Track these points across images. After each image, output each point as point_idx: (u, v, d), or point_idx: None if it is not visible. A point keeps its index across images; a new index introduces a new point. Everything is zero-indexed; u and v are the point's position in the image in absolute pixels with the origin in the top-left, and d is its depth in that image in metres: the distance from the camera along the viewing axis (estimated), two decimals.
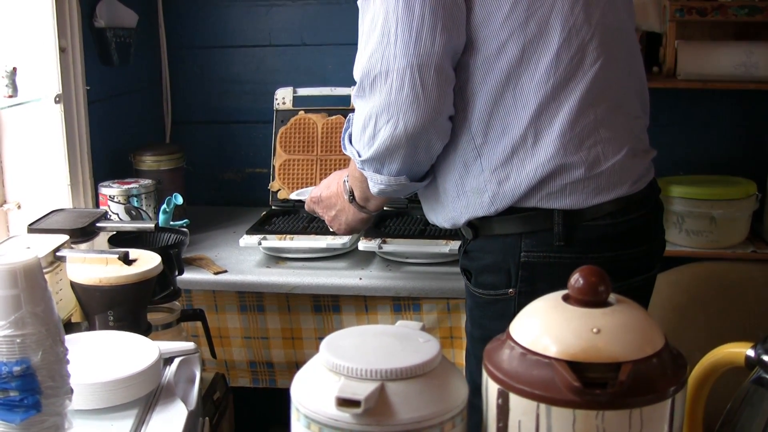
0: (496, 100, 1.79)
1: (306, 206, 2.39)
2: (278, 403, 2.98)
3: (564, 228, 1.82)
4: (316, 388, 1.11)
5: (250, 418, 2.97)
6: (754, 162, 3.25)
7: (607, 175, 1.81)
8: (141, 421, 1.53)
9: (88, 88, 2.72)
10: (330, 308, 2.62)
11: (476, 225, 1.92)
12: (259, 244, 2.70)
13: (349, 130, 1.96)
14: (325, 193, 2.27)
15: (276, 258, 2.74)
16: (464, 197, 1.90)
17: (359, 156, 1.91)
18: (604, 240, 1.84)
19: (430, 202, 2.00)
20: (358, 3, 1.84)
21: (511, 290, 1.88)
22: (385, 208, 2.98)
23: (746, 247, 3.02)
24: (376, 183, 1.94)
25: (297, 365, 2.67)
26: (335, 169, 2.85)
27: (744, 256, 3.00)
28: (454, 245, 2.56)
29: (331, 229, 2.34)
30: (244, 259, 2.76)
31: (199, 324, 2.42)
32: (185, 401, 1.62)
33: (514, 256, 1.86)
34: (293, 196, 2.66)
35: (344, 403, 1.04)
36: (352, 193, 2.14)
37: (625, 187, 1.84)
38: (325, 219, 2.31)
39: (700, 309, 3.04)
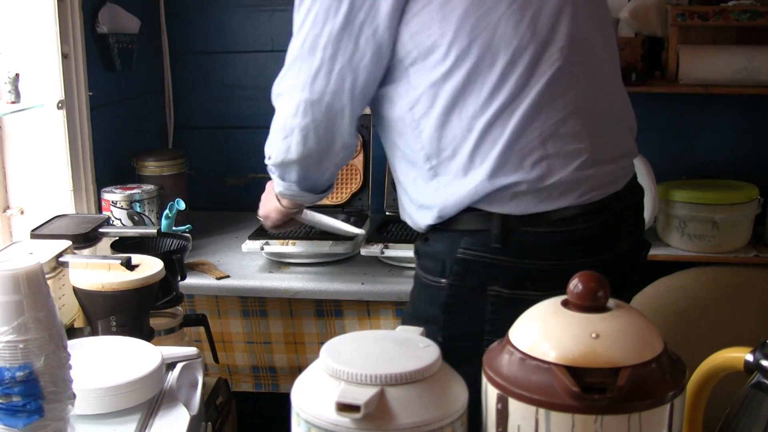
0: (444, 124, 1.85)
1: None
2: (281, 408, 2.99)
3: (501, 231, 1.85)
4: (317, 394, 1.11)
5: (252, 423, 2.97)
6: (756, 166, 3.26)
7: (550, 190, 1.83)
8: (143, 426, 1.53)
9: (91, 93, 2.73)
10: (332, 313, 2.62)
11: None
12: (262, 249, 2.70)
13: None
14: (268, 188, 2.46)
15: (278, 263, 2.74)
16: (422, 210, 1.97)
17: (269, 158, 2.10)
18: (542, 247, 1.86)
19: (402, 206, 2.08)
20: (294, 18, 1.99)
21: (444, 280, 1.92)
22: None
23: (748, 252, 3.02)
24: (278, 185, 2.19)
25: (300, 370, 2.65)
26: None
27: (746, 261, 3.01)
28: None
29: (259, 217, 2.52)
30: (246, 264, 2.76)
31: (201, 329, 2.42)
32: (188, 406, 1.62)
33: (452, 251, 1.90)
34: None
35: (344, 408, 1.05)
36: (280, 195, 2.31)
37: (571, 197, 1.84)
38: (261, 202, 2.49)
39: (701, 313, 3.04)
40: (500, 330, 1.77)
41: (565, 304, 1.14)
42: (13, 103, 2.43)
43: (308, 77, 1.89)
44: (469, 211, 1.87)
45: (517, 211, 1.84)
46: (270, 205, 2.42)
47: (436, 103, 1.84)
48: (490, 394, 1.12)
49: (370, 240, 2.70)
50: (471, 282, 1.89)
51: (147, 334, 1.95)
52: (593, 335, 1.07)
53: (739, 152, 3.31)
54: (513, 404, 1.08)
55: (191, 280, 2.56)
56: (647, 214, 2.88)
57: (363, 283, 2.56)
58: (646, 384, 1.05)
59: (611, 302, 1.14)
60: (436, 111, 1.85)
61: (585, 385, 1.03)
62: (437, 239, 1.95)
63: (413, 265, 2.62)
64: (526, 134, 1.81)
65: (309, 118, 1.92)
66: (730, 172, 3.24)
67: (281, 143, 1.99)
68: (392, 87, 1.92)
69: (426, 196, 1.94)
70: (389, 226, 2.87)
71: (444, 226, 1.92)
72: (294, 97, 1.92)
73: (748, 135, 3.30)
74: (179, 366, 1.74)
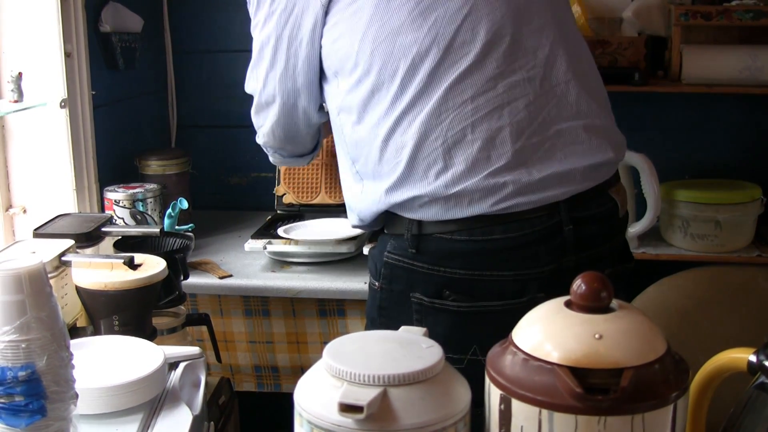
0: (355, 133, 1.89)
1: None
2: (283, 408, 2.99)
3: (413, 236, 1.85)
4: (319, 394, 1.11)
5: (255, 423, 2.97)
6: (759, 166, 3.25)
7: (458, 197, 1.79)
8: (146, 425, 1.53)
9: (94, 92, 2.72)
10: (335, 313, 2.62)
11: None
12: (265, 248, 2.70)
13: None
14: None
15: (281, 262, 2.74)
16: (350, 210, 2.05)
17: (256, 136, 2.28)
18: (456, 255, 1.82)
19: None
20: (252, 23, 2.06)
21: (377, 283, 1.95)
22: None
23: (751, 251, 3.02)
24: (270, 156, 2.37)
25: (302, 370, 2.66)
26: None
27: (749, 260, 3.00)
28: None
29: None
30: (249, 263, 2.76)
31: (204, 328, 2.42)
32: (190, 406, 1.62)
33: (381, 254, 1.92)
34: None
35: (347, 408, 1.05)
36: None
37: (484, 205, 1.78)
38: None
39: (704, 313, 3.04)
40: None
41: (568, 304, 1.14)
42: (15, 102, 2.43)
43: (261, 79, 2.05)
44: (391, 215, 1.90)
45: (428, 217, 1.83)
46: None
47: (351, 111, 1.88)
48: (493, 394, 1.11)
49: (372, 239, 2.70)
50: (397, 287, 1.90)
51: (149, 334, 1.95)
52: (596, 336, 1.07)
53: (742, 152, 3.30)
54: (516, 405, 1.08)
55: (194, 280, 2.56)
56: (650, 214, 2.89)
57: (366, 283, 2.55)
58: (649, 385, 1.05)
59: (614, 303, 1.14)
60: (351, 120, 1.89)
61: (588, 386, 1.03)
62: (378, 242, 1.99)
63: None
64: (428, 143, 1.78)
65: (271, 114, 2.12)
66: (733, 172, 3.24)
67: (258, 132, 2.23)
68: (326, 91, 1.99)
69: (352, 197, 1.99)
70: None
71: (381, 230, 1.98)
72: (256, 96, 2.12)
73: (752, 135, 3.30)
74: (182, 365, 1.74)
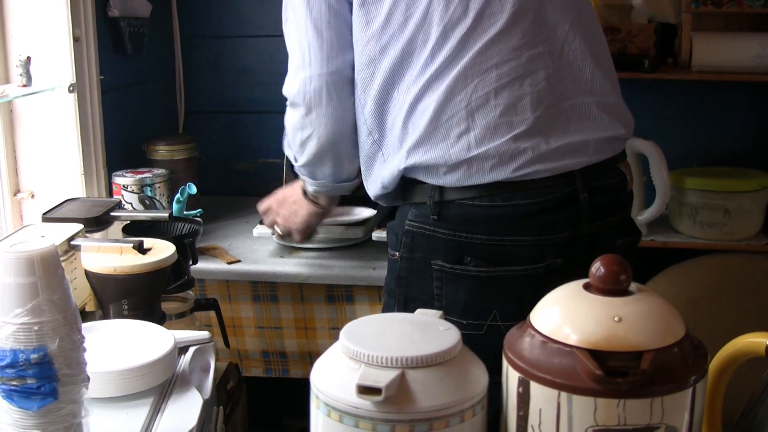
0: (384, 99, 1.91)
1: (261, 207, 2.58)
2: (291, 393, 2.99)
3: (435, 203, 1.87)
4: (336, 376, 1.11)
5: (262, 408, 2.98)
6: None
7: (480, 161, 1.82)
8: (156, 409, 1.53)
9: (102, 77, 2.72)
10: (343, 298, 2.61)
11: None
12: (273, 233, 2.69)
13: (286, 137, 2.18)
14: (288, 191, 2.48)
15: (289, 248, 2.74)
16: (371, 180, 2.04)
17: (296, 161, 2.18)
18: (478, 221, 1.85)
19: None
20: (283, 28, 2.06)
21: (397, 253, 1.97)
22: None
23: (760, 239, 3.01)
24: (311, 185, 2.25)
25: (310, 355, 2.67)
26: None
27: (758, 248, 3.00)
28: None
29: (282, 230, 2.55)
30: (257, 248, 2.76)
31: (212, 314, 2.42)
32: (200, 390, 1.62)
33: (402, 223, 1.95)
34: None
35: (365, 390, 1.04)
36: (304, 189, 2.36)
37: (506, 171, 1.82)
38: (281, 217, 2.50)
39: (713, 301, 3.03)
40: (447, 306, 1.82)
41: (587, 287, 1.14)
42: (24, 86, 2.42)
43: (321, 62, 1.96)
44: (413, 182, 1.92)
45: (450, 183, 1.86)
46: (302, 213, 2.44)
47: (375, 78, 1.90)
48: (511, 377, 1.11)
49: (381, 225, 2.69)
50: (417, 255, 1.92)
51: (159, 318, 1.95)
52: (616, 319, 1.06)
53: (752, 140, 3.29)
54: (535, 388, 1.07)
55: (202, 265, 2.55)
56: (659, 202, 2.88)
57: (374, 269, 2.56)
58: (668, 368, 1.04)
59: (633, 286, 1.14)
60: (375, 86, 1.91)
61: (607, 369, 1.03)
62: (397, 213, 2.00)
63: None
64: (451, 105, 1.83)
65: (334, 97, 1.98)
66: (743, 160, 3.23)
67: (310, 139, 2.06)
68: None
69: (375, 167, 2.00)
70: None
71: (400, 200, 1.98)
72: (310, 88, 1.98)
73: (761, 122, 3.29)
74: (191, 350, 1.74)
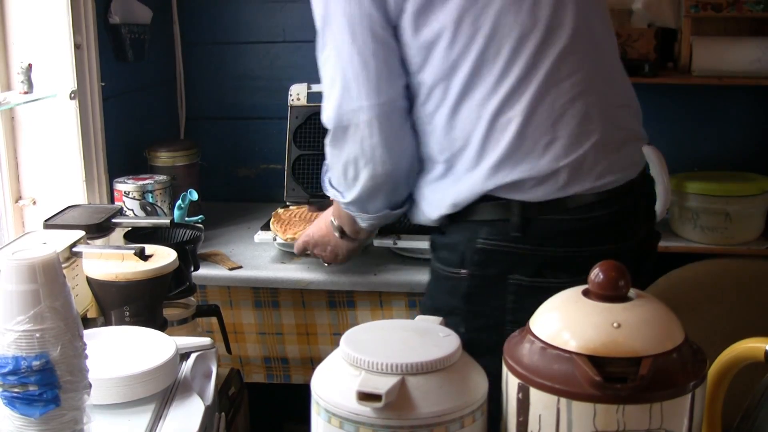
0: (455, 116, 1.87)
1: (297, 249, 2.50)
2: (293, 399, 2.99)
3: (521, 220, 1.85)
4: (337, 383, 1.12)
5: (264, 414, 2.97)
6: None
7: (565, 173, 1.83)
8: (158, 416, 1.53)
9: (103, 84, 2.72)
10: (345, 304, 2.62)
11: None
12: (274, 239, 2.69)
13: (329, 173, 2.09)
14: (317, 234, 2.39)
15: (291, 254, 2.73)
16: (436, 203, 1.97)
17: (343, 198, 2.06)
18: (560, 235, 1.86)
19: (414, 203, 2.07)
20: (317, 54, 1.98)
21: (463, 271, 1.92)
22: None
23: (761, 244, 3.00)
24: (363, 219, 2.12)
25: (312, 361, 2.68)
26: None
27: (759, 252, 2.99)
28: None
29: (328, 264, 2.50)
30: (258, 254, 2.76)
31: (214, 320, 2.42)
32: (202, 396, 1.62)
33: (471, 241, 1.90)
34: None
35: (365, 397, 1.05)
36: (341, 230, 2.28)
37: (588, 181, 1.85)
38: (322, 257, 2.44)
39: (714, 305, 3.03)
40: (522, 319, 1.78)
41: (586, 293, 1.14)
42: (25, 93, 2.43)
43: (369, 92, 1.87)
44: (486, 200, 1.88)
45: (536, 198, 1.84)
46: (343, 252, 2.39)
47: (447, 95, 1.86)
48: (511, 383, 1.12)
49: (382, 231, 2.70)
50: (491, 272, 1.89)
51: (160, 325, 1.95)
52: (614, 324, 1.07)
53: (752, 144, 3.29)
54: (534, 394, 1.08)
55: (203, 271, 2.56)
56: (660, 206, 2.88)
57: (375, 274, 2.56)
58: (667, 373, 1.05)
59: (632, 292, 1.14)
60: (447, 104, 1.87)
61: (606, 375, 1.03)
62: (454, 230, 1.95)
63: (426, 256, 2.62)
64: (536, 117, 1.82)
65: (386, 130, 1.91)
66: (744, 164, 3.23)
67: (365, 171, 1.96)
68: (415, 80, 1.92)
69: (441, 189, 1.95)
70: (401, 218, 2.87)
71: (460, 218, 1.92)
72: (361, 119, 1.90)
73: (762, 126, 3.29)
74: (193, 356, 1.74)
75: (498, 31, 1.81)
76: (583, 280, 1.83)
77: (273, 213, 2.85)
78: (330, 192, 2.11)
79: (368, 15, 1.84)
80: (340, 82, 1.89)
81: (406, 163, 1.97)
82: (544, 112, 1.82)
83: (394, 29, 1.87)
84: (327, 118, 1.95)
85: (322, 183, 2.14)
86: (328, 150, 2.00)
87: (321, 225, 2.37)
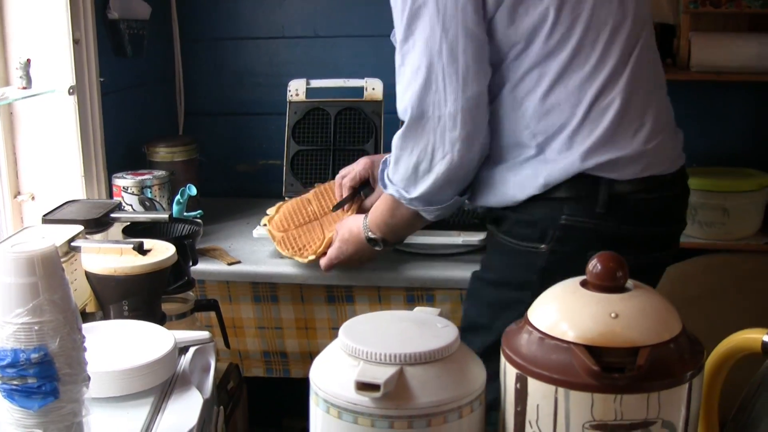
0: (550, 100, 1.90)
1: (326, 268, 2.46)
2: (292, 394, 2.99)
3: (607, 197, 1.90)
4: (335, 373, 1.12)
5: (263, 408, 2.98)
6: None
7: (651, 156, 1.91)
8: (157, 409, 1.53)
9: (102, 79, 2.73)
10: (343, 299, 2.62)
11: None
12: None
13: (391, 170, 2.07)
14: (345, 253, 2.40)
15: None
16: (522, 185, 1.97)
17: (408, 194, 2.05)
18: (638, 214, 1.93)
19: (480, 188, 2.07)
20: (393, 39, 1.99)
21: (543, 246, 1.95)
22: None
23: (759, 239, 3.01)
24: (430, 212, 2.09)
25: (311, 355, 2.67)
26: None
27: (757, 248, 3.00)
28: (467, 236, 2.59)
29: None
30: (257, 249, 2.76)
31: (212, 314, 2.42)
32: (200, 390, 1.62)
33: (554, 218, 1.93)
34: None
35: (364, 387, 1.05)
36: (383, 242, 2.27)
37: (663, 166, 1.94)
38: (343, 260, 2.42)
39: (712, 300, 3.04)
40: None
41: (584, 284, 1.15)
42: (24, 88, 2.43)
43: (457, 87, 1.89)
44: (575, 178, 1.92)
45: (623, 177, 1.90)
46: (366, 258, 2.40)
47: (542, 80, 1.90)
48: (509, 373, 1.12)
49: None
50: (570, 248, 1.92)
51: (159, 319, 1.95)
52: (612, 315, 1.07)
53: (751, 140, 3.30)
54: (532, 384, 1.08)
55: (202, 266, 2.56)
56: None
57: (374, 269, 2.56)
58: (665, 364, 1.05)
59: (630, 283, 1.15)
60: (542, 88, 1.90)
61: (604, 365, 1.03)
62: (535, 207, 1.97)
63: (424, 252, 2.64)
64: (631, 103, 1.90)
65: (469, 124, 1.92)
66: (742, 160, 3.23)
67: (442, 163, 1.96)
68: (510, 61, 1.95)
69: (528, 170, 1.96)
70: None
71: (542, 195, 1.95)
72: (445, 112, 1.91)
73: (760, 122, 3.29)
74: (192, 350, 1.74)
75: (594, 21, 1.88)
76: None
77: (264, 224, 2.75)
78: (390, 189, 2.10)
79: (462, 9, 1.86)
80: (424, 72, 1.90)
81: (482, 154, 1.98)
82: (636, 98, 1.91)
83: (488, 23, 1.89)
84: (404, 108, 1.96)
85: (380, 180, 2.15)
86: (399, 142, 2.00)
87: (349, 241, 2.37)
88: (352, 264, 2.42)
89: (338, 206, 2.61)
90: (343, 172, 2.67)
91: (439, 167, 1.97)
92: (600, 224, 1.91)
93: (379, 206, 2.22)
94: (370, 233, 2.26)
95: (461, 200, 2.09)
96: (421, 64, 1.90)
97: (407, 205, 2.09)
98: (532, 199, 1.96)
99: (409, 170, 2.01)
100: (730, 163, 3.23)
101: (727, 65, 2.97)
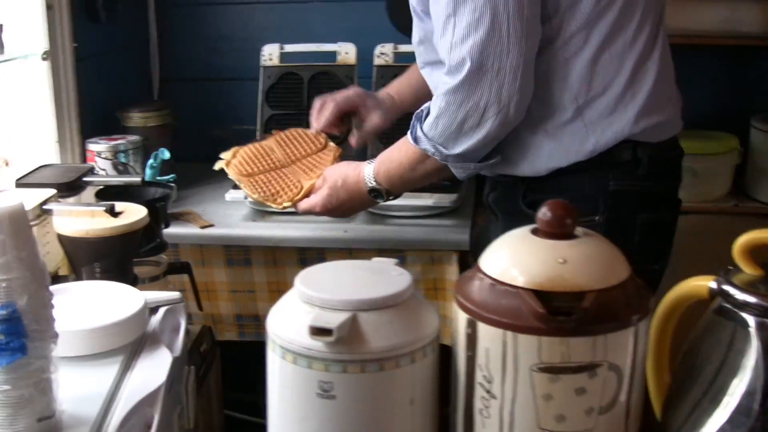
0: (596, 63, 1.91)
1: (302, 211, 2.34)
2: (265, 357, 3.01)
3: (649, 159, 1.95)
4: (291, 320, 1.14)
5: (237, 372, 2.99)
6: (737, 117, 3.27)
7: (678, 118, 2.06)
8: (126, 367, 1.54)
9: (76, 45, 2.73)
10: (315, 261, 2.61)
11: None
12: (246, 198, 2.69)
13: (429, 124, 1.97)
14: (337, 200, 2.25)
15: (262, 212, 2.75)
16: (566, 152, 1.96)
17: (446, 150, 1.95)
18: (670, 173, 2.07)
19: (513, 155, 2.02)
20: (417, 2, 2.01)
21: (597, 217, 1.94)
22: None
23: (728, 201, 3.04)
24: (465, 170, 2.01)
25: None
26: None
27: (726, 210, 3.03)
28: (439, 198, 2.62)
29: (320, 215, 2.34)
30: (230, 213, 2.77)
31: (186, 278, 2.43)
32: (171, 349, 1.63)
33: (604, 186, 1.95)
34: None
35: (317, 332, 1.08)
36: (386, 193, 2.16)
37: (679, 126, 2.07)
38: (328, 215, 2.31)
39: (682, 261, 3.06)
40: (647, 257, 1.92)
41: (534, 231, 1.17)
42: None
43: (521, 38, 1.82)
44: (617, 144, 1.94)
45: (658, 138, 1.97)
46: (357, 208, 2.34)
47: (589, 42, 1.90)
48: (461, 319, 1.14)
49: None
50: (623, 213, 1.95)
51: (131, 281, 1.95)
52: (560, 260, 1.10)
53: (719, 103, 3.32)
54: (482, 328, 1.11)
55: (175, 229, 2.56)
56: None
57: (346, 231, 2.58)
58: (611, 307, 1.08)
59: (579, 230, 1.17)
60: (588, 51, 1.91)
61: (552, 309, 1.06)
62: (579, 177, 1.96)
63: (396, 213, 2.65)
64: (664, 68, 1.98)
65: (527, 78, 1.87)
66: (712, 123, 3.25)
67: (494, 119, 1.88)
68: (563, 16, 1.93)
69: (569, 136, 1.94)
70: None
71: (585, 162, 1.94)
72: (506, 64, 1.83)
73: (730, 86, 3.32)
74: (162, 310, 1.75)
75: None
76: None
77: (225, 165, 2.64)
78: (424, 144, 1.99)
79: None
80: (488, 22, 1.81)
81: (524, 113, 1.91)
82: (667, 62, 2.00)
83: None
84: (461, 58, 1.85)
85: (410, 133, 2.03)
86: (449, 97, 1.90)
87: (343, 188, 2.23)
88: (341, 213, 2.30)
89: (338, 140, 2.52)
90: (324, 97, 2.56)
91: (491, 123, 1.88)
92: (646, 185, 1.96)
93: (396, 158, 2.09)
94: (375, 183, 2.14)
95: (498, 160, 2.00)
96: (483, 12, 1.81)
97: (441, 161, 1.99)
98: (573, 168, 1.94)
99: (453, 126, 1.91)
100: (699, 126, 3.25)
101: (698, 29, 3.00)
